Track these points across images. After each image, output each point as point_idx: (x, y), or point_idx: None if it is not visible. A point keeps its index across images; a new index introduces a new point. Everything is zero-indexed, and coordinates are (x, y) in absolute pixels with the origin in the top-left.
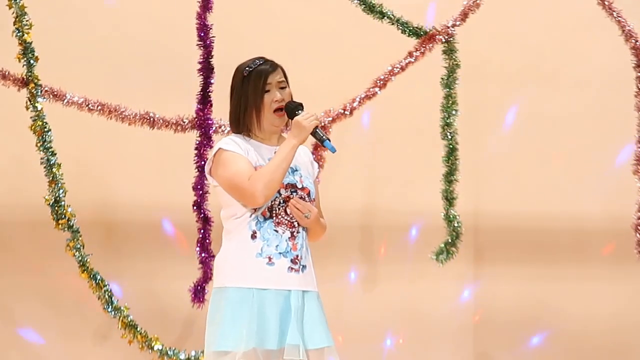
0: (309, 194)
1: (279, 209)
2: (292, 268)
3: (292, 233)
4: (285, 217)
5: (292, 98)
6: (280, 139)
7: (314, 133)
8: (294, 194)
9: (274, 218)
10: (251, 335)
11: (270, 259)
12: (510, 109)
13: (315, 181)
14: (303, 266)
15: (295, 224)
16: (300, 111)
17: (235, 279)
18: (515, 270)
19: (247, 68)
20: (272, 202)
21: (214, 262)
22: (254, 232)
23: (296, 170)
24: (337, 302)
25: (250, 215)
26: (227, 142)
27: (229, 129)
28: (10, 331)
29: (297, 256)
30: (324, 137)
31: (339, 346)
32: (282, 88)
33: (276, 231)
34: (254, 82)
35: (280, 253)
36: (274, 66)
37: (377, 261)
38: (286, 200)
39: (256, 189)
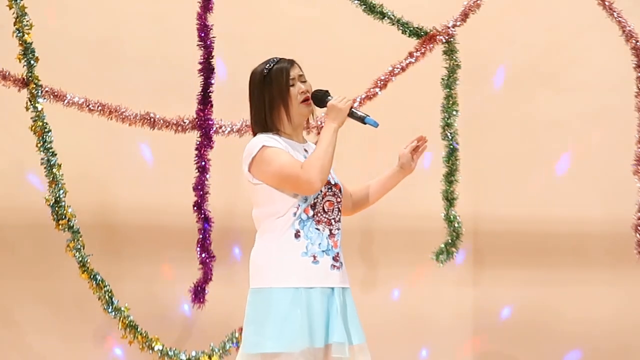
0: (340, 190)
1: (319, 206)
2: (334, 265)
3: (330, 231)
4: (324, 215)
5: None
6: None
7: (351, 113)
8: (330, 190)
9: (315, 216)
10: (304, 334)
11: (315, 257)
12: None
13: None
14: (341, 263)
15: (333, 221)
16: (330, 97)
17: (281, 279)
18: (515, 273)
19: (265, 68)
20: (314, 199)
21: (251, 262)
22: (298, 231)
23: None
24: None
25: (294, 214)
26: (267, 140)
27: (229, 129)
28: (10, 332)
29: (337, 254)
30: (362, 114)
31: None
32: (304, 81)
33: (318, 229)
34: (277, 79)
35: (323, 251)
36: (291, 62)
37: (377, 264)
38: (324, 197)
39: (311, 175)
